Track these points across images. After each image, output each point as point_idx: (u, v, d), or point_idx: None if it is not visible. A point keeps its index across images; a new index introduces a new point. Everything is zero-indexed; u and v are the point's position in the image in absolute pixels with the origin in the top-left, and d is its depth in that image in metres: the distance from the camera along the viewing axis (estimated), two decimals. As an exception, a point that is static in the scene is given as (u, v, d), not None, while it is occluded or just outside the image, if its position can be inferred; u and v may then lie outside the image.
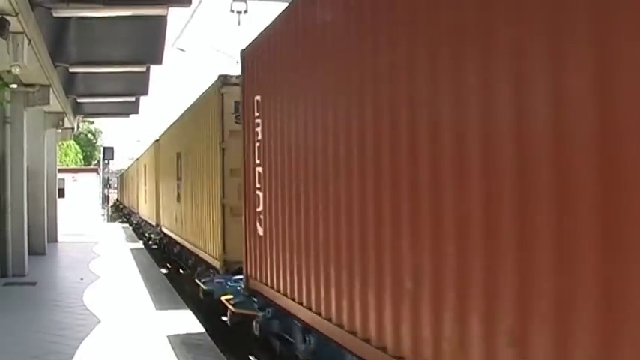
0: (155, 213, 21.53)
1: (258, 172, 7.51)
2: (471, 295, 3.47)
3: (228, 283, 9.45)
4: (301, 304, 6.05)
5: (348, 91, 5.07)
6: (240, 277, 8.67)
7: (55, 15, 11.38)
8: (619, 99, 2.56)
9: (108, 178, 60.36)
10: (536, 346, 2.99)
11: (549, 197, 2.90)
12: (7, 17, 9.51)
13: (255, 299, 7.99)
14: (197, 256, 12.49)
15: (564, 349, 2.81)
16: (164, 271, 17.72)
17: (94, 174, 35.70)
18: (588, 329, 2.68)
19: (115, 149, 48.96)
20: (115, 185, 68.24)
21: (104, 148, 49.78)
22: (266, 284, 7.29)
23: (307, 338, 6.16)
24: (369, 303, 4.65)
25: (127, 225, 39.24)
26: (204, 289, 10.90)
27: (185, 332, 9.40)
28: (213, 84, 10.55)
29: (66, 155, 44.41)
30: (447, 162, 3.73)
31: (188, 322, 10.20)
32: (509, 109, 3.19)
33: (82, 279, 14.47)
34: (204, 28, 46.87)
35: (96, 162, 56.39)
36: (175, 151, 15.90)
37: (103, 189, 49.54)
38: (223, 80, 9.90)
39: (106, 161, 51.55)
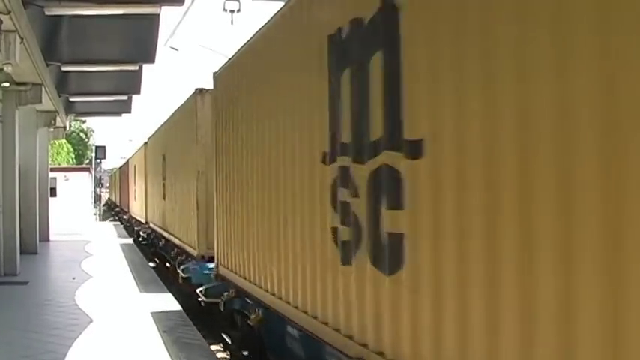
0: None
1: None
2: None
3: None
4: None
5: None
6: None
7: (47, 13, 11.36)
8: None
9: (100, 177, 60.21)
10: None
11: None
12: (-1, 15, 9.50)
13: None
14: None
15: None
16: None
17: (86, 173, 35.46)
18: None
19: (107, 148, 48.89)
20: (107, 184, 68.12)
21: (96, 147, 49.69)
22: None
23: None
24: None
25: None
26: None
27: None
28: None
29: (58, 154, 44.28)
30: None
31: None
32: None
33: (74, 278, 14.44)
34: (196, 27, 46.88)
35: (88, 161, 56.27)
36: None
37: (95, 188, 49.36)
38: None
39: (98, 160, 51.45)
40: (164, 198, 16.94)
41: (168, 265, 16.51)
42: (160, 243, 17.75)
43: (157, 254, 19.36)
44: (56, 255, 20.14)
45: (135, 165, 28.90)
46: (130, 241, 25.79)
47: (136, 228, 26.18)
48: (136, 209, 27.90)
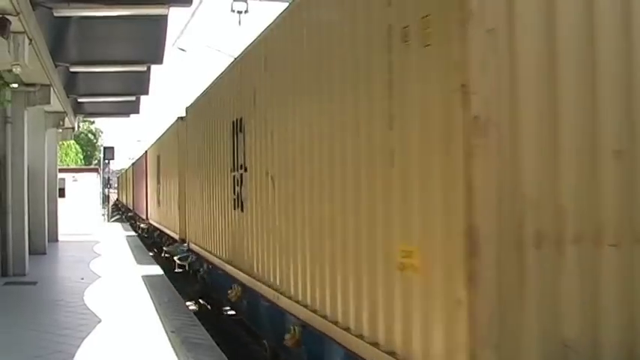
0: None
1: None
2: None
3: None
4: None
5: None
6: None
7: (55, 14, 11.38)
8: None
9: (108, 177, 60.35)
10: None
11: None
12: (8, 17, 9.51)
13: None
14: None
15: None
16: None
17: (95, 174, 35.52)
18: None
19: (115, 149, 48.98)
20: (116, 185, 68.31)
21: (104, 148, 49.75)
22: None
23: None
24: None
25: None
26: None
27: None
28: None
29: (66, 155, 44.39)
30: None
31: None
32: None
33: (82, 278, 14.47)
34: (204, 28, 46.94)
35: (96, 162, 56.40)
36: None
37: (103, 189, 49.46)
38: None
39: (107, 161, 51.53)
40: (241, 208, 8.83)
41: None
42: (229, 294, 9.43)
43: (210, 298, 12.62)
44: (65, 255, 20.18)
45: (158, 156, 21.30)
46: (156, 268, 16.92)
47: (166, 248, 18.23)
48: (162, 218, 19.92)
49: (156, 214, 22.18)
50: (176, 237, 16.20)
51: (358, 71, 4.88)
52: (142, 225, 28.39)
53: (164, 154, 20.13)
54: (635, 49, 3.71)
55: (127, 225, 38.06)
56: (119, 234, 30.23)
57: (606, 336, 3.62)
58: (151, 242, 23.50)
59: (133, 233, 30.67)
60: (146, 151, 27.07)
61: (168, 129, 18.92)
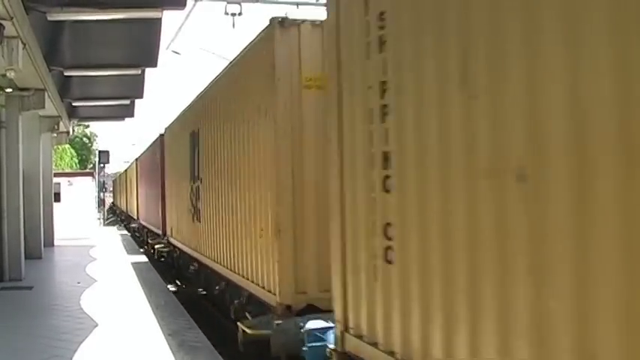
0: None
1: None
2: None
3: None
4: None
5: None
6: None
7: (49, 19, 11.37)
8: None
9: (103, 181, 60.24)
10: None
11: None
12: (2, 21, 9.51)
13: None
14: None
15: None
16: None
17: (90, 178, 35.55)
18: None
19: (110, 153, 48.94)
20: (111, 189, 68.13)
21: (99, 152, 49.74)
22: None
23: None
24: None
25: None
26: None
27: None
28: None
29: (61, 159, 44.36)
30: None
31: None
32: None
33: (79, 283, 14.46)
34: (198, 31, 46.90)
35: (91, 166, 56.28)
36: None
37: (98, 192, 49.37)
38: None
39: (102, 165, 51.47)
40: None
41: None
42: None
43: None
44: (61, 260, 20.13)
45: (193, 132, 13.14)
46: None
47: (249, 329, 7.76)
48: (207, 246, 11.79)
49: (188, 235, 14.15)
50: (268, 301, 7.76)
51: None
52: (157, 245, 19.84)
53: (213, 127, 11.25)
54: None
55: (128, 236, 31.47)
56: (119, 252, 22.43)
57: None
58: (175, 271, 17.56)
59: (142, 258, 20.80)
60: (162, 135, 19.21)
61: (236, 61, 9.65)
